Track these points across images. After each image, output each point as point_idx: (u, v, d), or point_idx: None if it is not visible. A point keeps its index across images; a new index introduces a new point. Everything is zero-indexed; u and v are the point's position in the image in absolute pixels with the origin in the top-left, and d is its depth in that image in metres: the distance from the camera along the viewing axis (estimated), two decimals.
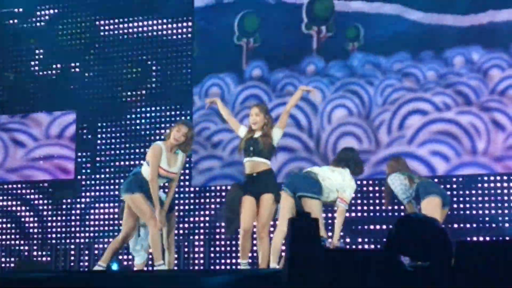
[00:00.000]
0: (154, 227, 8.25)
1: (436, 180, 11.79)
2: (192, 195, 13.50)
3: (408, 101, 12.47)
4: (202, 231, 13.29)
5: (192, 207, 13.46)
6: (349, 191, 8.50)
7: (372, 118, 12.60)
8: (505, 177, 11.90)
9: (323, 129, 12.80)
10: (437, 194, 8.63)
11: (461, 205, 11.97)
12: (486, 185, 11.94)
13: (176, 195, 12.81)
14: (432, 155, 12.17)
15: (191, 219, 13.42)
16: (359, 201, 12.19)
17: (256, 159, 8.25)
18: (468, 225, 11.86)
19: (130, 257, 11.27)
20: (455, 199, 11.85)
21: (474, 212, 11.91)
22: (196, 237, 13.27)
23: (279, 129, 8.41)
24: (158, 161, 8.36)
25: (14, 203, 14.44)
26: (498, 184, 11.91)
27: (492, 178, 11.97)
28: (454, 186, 12.07)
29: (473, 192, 11.95)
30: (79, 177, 14.14)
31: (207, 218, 13.33)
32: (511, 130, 11.96)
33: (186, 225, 13.41)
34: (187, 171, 13.50)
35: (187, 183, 13.56)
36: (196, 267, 12.95)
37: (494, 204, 11.87)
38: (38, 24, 14.87)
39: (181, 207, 13.34)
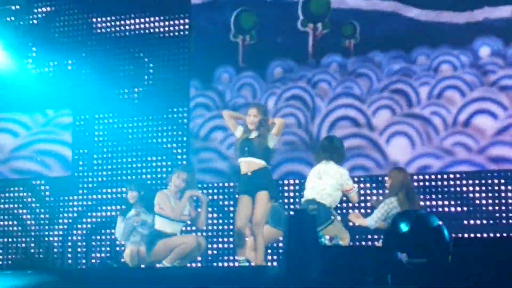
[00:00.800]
0: (190, 244, 8.84)
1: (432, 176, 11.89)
2: None
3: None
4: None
5: None
6: (345, 179, 8.61)
7: (370, 114, 12.61)
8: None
9: (321, 129, 12.80)
10: None
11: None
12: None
13: None
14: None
15: None
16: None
17: (250, 159, 8.27)
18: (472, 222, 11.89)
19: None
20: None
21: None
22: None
23: (274, 135, 8.43)
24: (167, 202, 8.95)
25: (11, 200, 14.42)
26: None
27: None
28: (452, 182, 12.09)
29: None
30: (75, 174, 14.12)
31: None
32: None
33: None
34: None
35: None
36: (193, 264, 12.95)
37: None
38: (34, 21, 14.82)
39: None
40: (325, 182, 8.61)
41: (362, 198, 11.94)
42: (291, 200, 12.66)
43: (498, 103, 12.01)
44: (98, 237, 13.69)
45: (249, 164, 8.26)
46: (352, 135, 12.57)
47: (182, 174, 9.08)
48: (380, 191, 11.88)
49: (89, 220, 13.91)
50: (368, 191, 12.25)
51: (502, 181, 11.88)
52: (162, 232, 8.85)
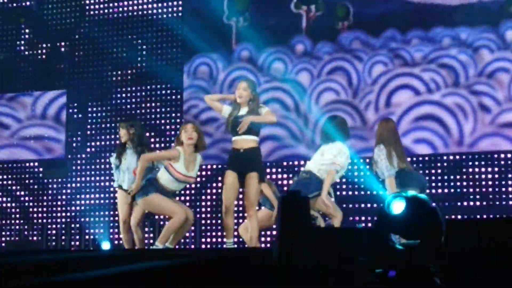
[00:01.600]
0: (179, 218, 8.40)
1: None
2: None
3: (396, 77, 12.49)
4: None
5: None
6: (344, 157, 8.61)
7: (359, 96, 12.60)
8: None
9: (311, 111, 12.80)
10: (415, 188, 8.50)
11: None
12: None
13: None
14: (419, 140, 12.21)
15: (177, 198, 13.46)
16: (349, 180, 12.21)
17: (244, 137, 8.21)
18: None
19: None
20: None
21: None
22: None
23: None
24: (170, 156, 8.57)
25: (5, 182, 14.42)
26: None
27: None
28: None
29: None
30: (69, 156, 14.12)
31: (193, 198, 13.35)
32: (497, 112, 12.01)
33: None
34: None
35: None
36: (183, 246, 12.98)
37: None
38: (26, 3, 14.78)
39: None
40: (326, 158, 8.63)
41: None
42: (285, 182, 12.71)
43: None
44: (92, 220, 13.71)
45: (243, 142, 8.20)
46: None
47: (189, 125, 8.63)
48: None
49: (82, 202, 13.91)
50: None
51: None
52: (164, 187, 8.55)
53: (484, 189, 11.91)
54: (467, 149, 12.03)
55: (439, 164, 12.14)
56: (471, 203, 11.90)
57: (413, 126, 12.24)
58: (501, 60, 12.09)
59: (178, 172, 8.45)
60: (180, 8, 13.94)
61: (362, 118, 12.54)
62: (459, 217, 11.56)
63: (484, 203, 11.83)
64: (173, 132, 13.45)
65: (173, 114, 13.65)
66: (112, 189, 12.74)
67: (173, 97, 13.71)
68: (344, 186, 12.22)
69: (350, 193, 12.41)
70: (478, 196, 11.90)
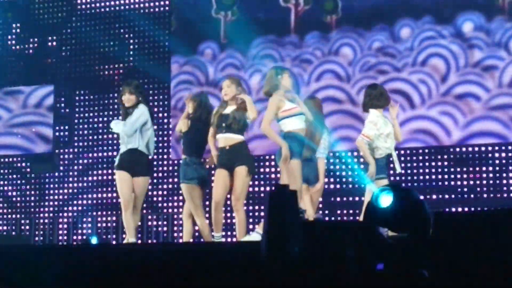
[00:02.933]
0: None
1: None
2: (170, 168, 13.49)
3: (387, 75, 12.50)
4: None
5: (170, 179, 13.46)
6: (368, 127, 8.35)
7: (353, 92, 12.60)
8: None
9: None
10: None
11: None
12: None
13: (154, 168, 12.82)
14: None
15: (165, 192, 13.43)
16: (337, 173, 12.21)
17: (228, 135, 8.24)
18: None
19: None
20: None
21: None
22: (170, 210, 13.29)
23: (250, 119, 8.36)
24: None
25: None
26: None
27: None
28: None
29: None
30: (57, 150, 14.08)
31: None
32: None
33: (161, 198, 13.42)
34: (165, 144, 13.50)
35: (165, 156, 13.54)
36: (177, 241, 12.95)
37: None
38: None
39: (160, 180, 13.38)
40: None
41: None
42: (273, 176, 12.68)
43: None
44: (80, 214, 13.68)
45: (227, 139, 8.23)
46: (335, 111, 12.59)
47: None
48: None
49: (70, 197, 13.87)
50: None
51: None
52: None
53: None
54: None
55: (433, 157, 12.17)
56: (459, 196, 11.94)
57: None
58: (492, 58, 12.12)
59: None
60: (167, 2, 13.90)
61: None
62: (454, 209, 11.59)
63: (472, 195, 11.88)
64: (160, 126, 13.43)
65: (161, 108, 13.62)
66: (96, 181, 12.78)
67: (161, 91, 13.69)
68: (331, 180, 12.21)
69: (338, 186, 12.41)
70: (466, 190, 11.94)
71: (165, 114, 13.53)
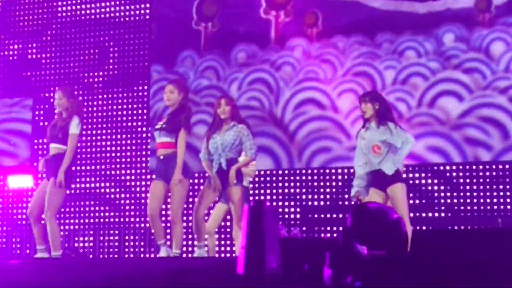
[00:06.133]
0: None
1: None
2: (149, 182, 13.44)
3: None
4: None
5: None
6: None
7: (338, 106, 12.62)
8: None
9: (284, 116, 12.78)
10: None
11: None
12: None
13: (137, 183, 12.76)
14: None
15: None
16: (316, 190, 12.18)
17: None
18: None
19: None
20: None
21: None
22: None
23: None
24: None
25: None
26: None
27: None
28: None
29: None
30: (35, 164, 13.99)
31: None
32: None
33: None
34: (143, 153, 13.47)
35: (143, 164, 13.49)
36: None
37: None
38: None
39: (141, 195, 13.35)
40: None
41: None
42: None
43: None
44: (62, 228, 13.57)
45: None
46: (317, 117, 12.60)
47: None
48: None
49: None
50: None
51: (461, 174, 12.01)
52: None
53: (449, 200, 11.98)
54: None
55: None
56: (436, 214, 11.95)
57: None
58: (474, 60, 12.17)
59: None
60: (147, 11, 13.87)
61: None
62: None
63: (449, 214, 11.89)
64: (139, 135, 13.39)
65: (140, 117, 13.58)
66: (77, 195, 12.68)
67: (140, 99, 13.64)
68: (311, 196, 12.17)
69: (315, 203, 12.32)
70: (443, 208, 11.96)
71: (144, 123, 13.49)
